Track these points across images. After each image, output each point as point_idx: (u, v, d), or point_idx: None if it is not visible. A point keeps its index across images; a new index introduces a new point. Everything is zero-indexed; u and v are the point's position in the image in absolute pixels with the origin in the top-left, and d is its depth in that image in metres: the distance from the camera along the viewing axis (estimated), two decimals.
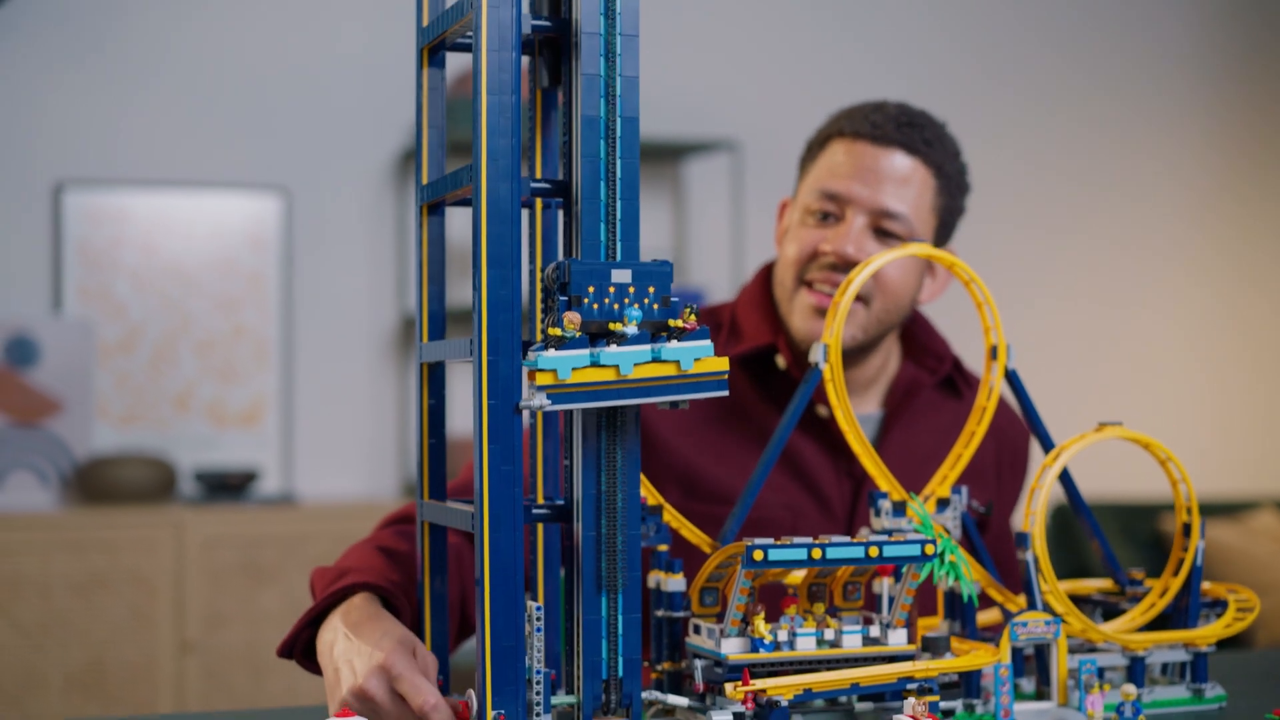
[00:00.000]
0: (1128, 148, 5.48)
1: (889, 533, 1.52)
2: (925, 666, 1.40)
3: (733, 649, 1.38)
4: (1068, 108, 5.39)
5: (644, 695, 1.37)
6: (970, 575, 1.48)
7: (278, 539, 4.02)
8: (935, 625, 1.61)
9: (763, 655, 1.38)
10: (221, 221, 4.40)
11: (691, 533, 1.54)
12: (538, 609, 1.32)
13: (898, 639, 1.42)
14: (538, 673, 1.29)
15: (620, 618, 1.32)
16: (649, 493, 1.50)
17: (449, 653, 1.48)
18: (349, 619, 1.46)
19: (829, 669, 1.39)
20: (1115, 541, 4.99)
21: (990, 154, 5.25)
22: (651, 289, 1.28)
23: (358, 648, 1.40)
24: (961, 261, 1.60)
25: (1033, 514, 1.52)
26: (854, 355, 1.95)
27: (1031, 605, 1.52)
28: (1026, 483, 2.00)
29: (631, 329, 1.26)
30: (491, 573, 1.26)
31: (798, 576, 1.50)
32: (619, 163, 1.34)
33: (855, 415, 1.97)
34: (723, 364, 1.25)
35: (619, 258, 1.32)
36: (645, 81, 4.59)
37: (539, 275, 1.40)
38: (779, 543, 1.35)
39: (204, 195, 4.38)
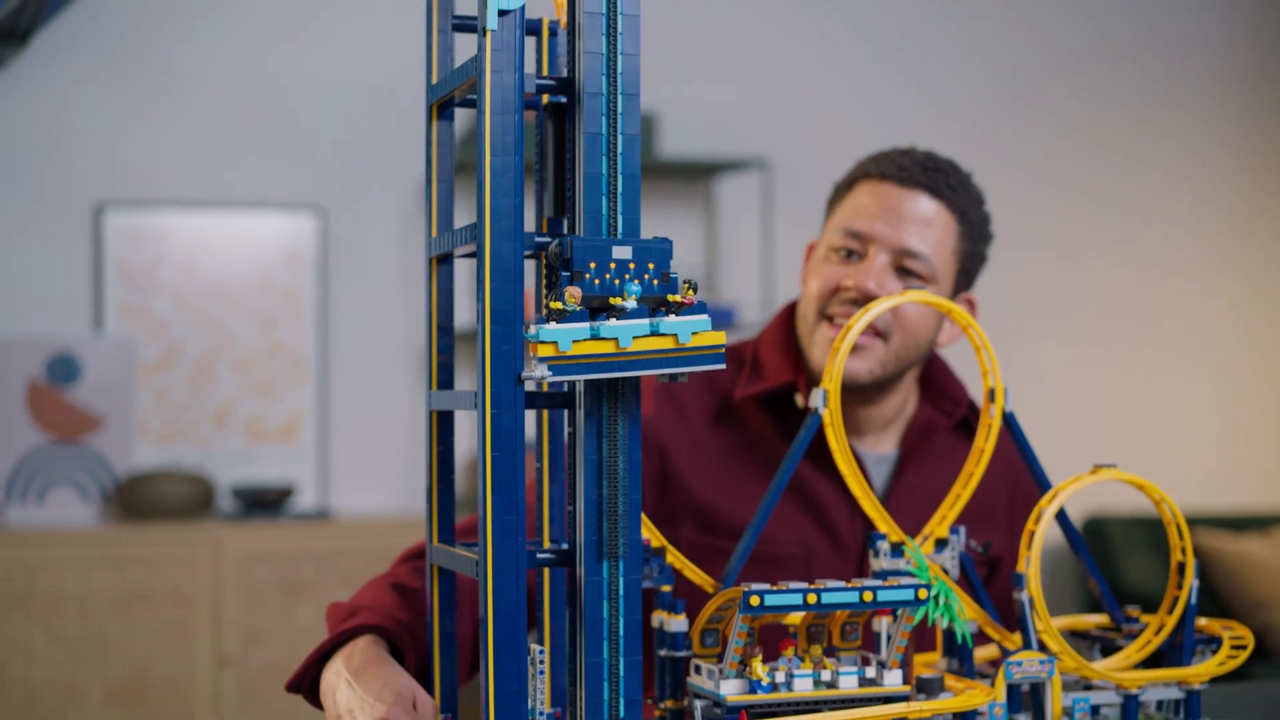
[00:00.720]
0: (1151, 167, 5.49)
1: (887, 574, 1.56)
2: (920, 708, 1.43)
3: (731, 690, 1.42)
4: (1097, 129, 5.40)
5: None
6: (965, 615, 1.51)
7: (314, 554, 4.08)
8: (935, 661, 1.65)
9: (760, 696, 1.42)
10: (259, 241, 4.47)
11: (695, 574, 1.58)
12: (540, 652, 1.37)
13: (893, 680, 1.45)
14: (541, 714, 1.34)
15: (621, 660, 1.37)
16: (652, 534, 1.55)
17: (460, 685, 1.53)
18: (351, 663, 1.51)
19: (826, 709, 1.43)
20: (1149, 557, 5.00)
21: (1017, 173, 5.27)
22: (651, 265, 1.31)
23: (360, 698, 1.45)
24: (959, 308, 1.63)
25: (1028, 555, 1.55)
26: (872, 392, 1.99)
27: (1027, 644, 1.55)
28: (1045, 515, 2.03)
29: (631, 303, 1.29)
30: (495, 619, 1.31)
31: (796, 617, 1.54)
32: (620, 218, 1.38)
33: (873, 455, 2.04)
34: (719, 338, 1.29)
35: (620, 234, 1.36)
36: (679, 103, 4.67)
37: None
38: (775, 587, 1.39)
39: (241, 215, 4.46)
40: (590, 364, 1.28)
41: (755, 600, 1.38)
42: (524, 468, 1.32)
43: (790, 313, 2.06)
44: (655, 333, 1.30)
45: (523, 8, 1.35)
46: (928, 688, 1.47)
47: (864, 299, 1.92)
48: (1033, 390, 5.28)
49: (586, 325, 1.28)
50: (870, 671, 1.47)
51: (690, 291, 1.29)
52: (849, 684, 1.45)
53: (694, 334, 1.30)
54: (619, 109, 1.43)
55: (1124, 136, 5.43)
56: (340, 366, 4.55)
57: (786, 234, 4.79)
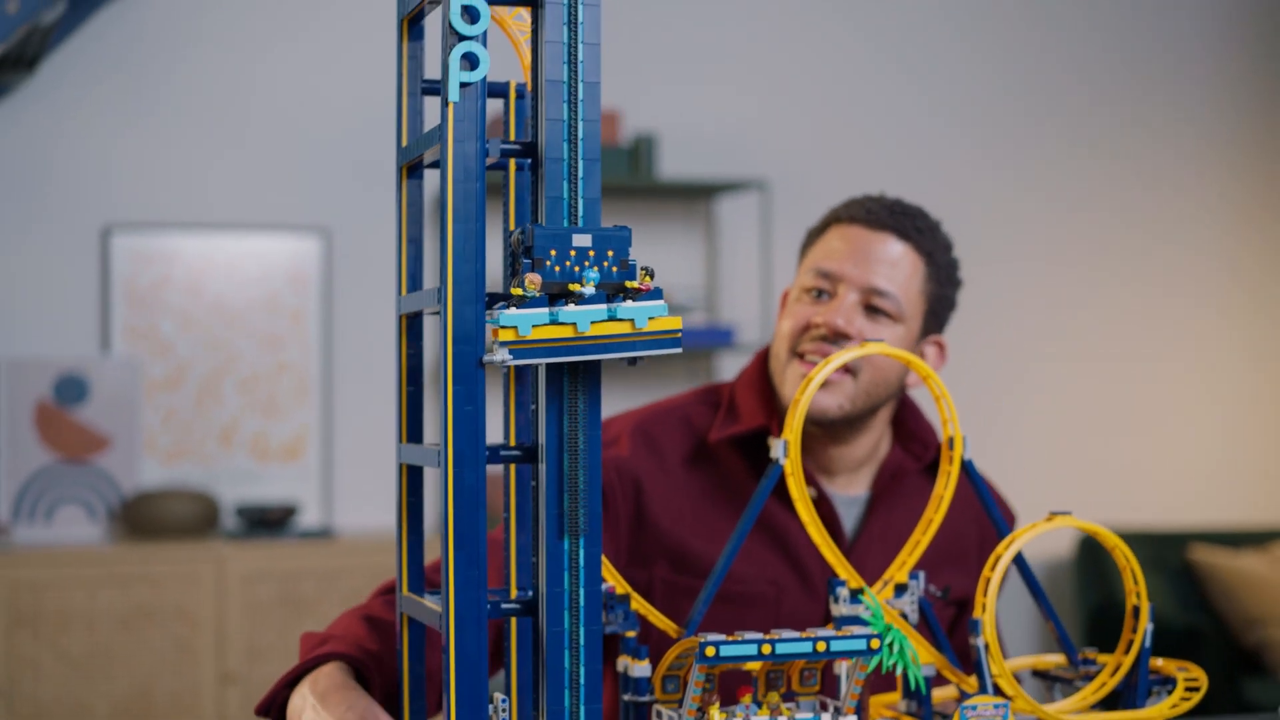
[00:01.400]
0: (1152, 182, 5.52)
1: (847, 619, 1.60)
2: None
3: None
4: (1099, 146, 5.43)
5: None
6: (920, 661, 1.56)
7: (316, 572, 4.14)
8: (895, 702, 1.69)
9: None
10: (264, 262, 4.53)
11: (659, 619, 1.63)
12: (503, 700, 1.42)
13: None
14: None
15: (582, 708, 1.41)
16: (616, 581, 1.60)
17: (429, 717, 1.59)
18: (316, 687, 1.58)
19: None
20: (1145, 571, 5.03)
21: (1019, 190, 5.30)
22: (610, 252, 1.34)
23: (323, 719, 1.51)
24: (918, 360, 1.68)
25: (984, 602, 1.60)
26: (844, 431, 2.03)
27: (983, 688, 1.60)
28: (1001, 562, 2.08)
29: (590, 289, 1.33)
30: (457, 671, 1.36)
31: (755, 663, 1.59)
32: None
33: (844, 497, 2.08)
34: (675, 323, 1.33)
35: (580, 223, 1.40)
36: (679, 125, 4.72)
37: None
38: (731, 638, 1.44)
39: (247, 237, 4.52)
40: (549, 348, 1.32)
41: (711, 651, 1.43)
42: (484, 522, 1.37)
43: (765, 358, 2.10)
44: (613, 318, 1.33)
45: (484, 80, 1.39)
46: None
47: (834, 336, 1.97)
48: (1032, 404, 5.32)
49: (546, 311, 1.32)
50: (827, 717, 1.51)
51: (647, 278, 1.33)
52: None
53: (650, 319, 1.34)
54: (579, 174, 1.47)
55: (1127, 152, 5.46)
56: (344, 386, 4.60)
57: (785, 255, 4.84)
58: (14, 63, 4.18)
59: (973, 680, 1.67)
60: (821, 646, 1.45)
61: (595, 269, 1.34)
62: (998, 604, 1.62)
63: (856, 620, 1.62)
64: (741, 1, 5.01)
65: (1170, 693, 1.70)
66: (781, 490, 1.96)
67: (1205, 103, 5.57)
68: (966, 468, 1.70)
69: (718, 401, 2.09)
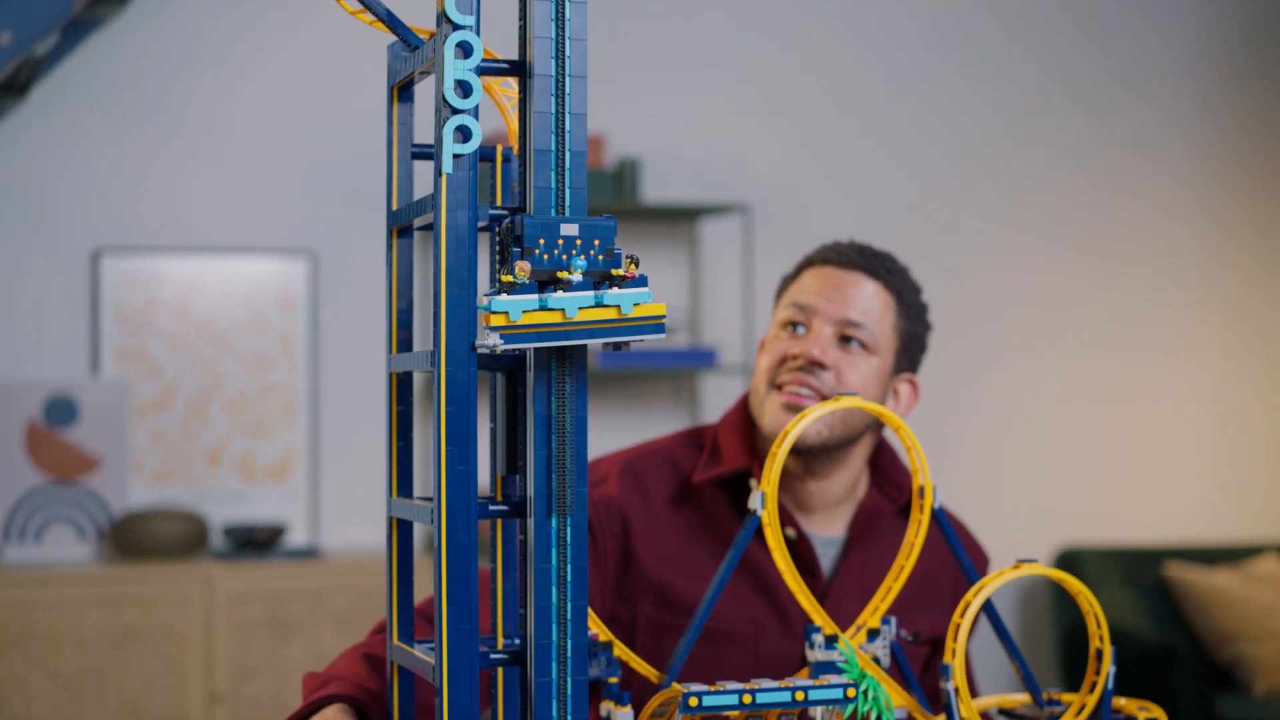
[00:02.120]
0: (1136, 196, 5.59)
1: (822, 665, 1.66)
2: None
3: None
4: (1084, 159, 5.51)
5: None
6: (892, 705, 1.62)
7: (303, 593, 4.19)
8: None
9: None
10: (252, 284, 4.58)
11: (640, 666, 1.69)
12: None
13: None
14: None
15: None
16: (599, 629, 1.66)
17: None
18: None
19: None
20: (1120, 588, 5.11)
21: (1004, 206, 5.37)
22: (597, 241, 1.39)
23: None
24: (890, 412, 1.74)
25: (954, 647, 1.66)
26: (823, 464, 2.09)
27: None
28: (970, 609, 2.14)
29: (577, 277, 1.38)
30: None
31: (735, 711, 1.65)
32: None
33: (821, 537, 2.14)
34: (660, 309, 1.38)
35: (567, 213, 1.46)
36: (663, 149, 4.77)
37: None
38: (713, 688, 1.50)
39: (235, 259, 4.57)
40: (539, 333, 1.37)
41: (694, 701, 1.49)
42: (476, 577, 1.43)
43: (747, 400, 2.17)
44: (600, 304, 1.38)
45: (476, 151, 1.45)
46: None
47: (810, 365, 2.04)
48: (1008, 420, 5.39)
49: (535, 297, 1.37)
50: None
51: (633, 266, 1.38)
52: None
53: (636, 305, 1.39)
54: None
55: (1107, 167, 5.53)
56: (330, 407, 4.66)
57: (767, 276, 4.90)
58: (5, 89, 4.23)
59: None
60: (800, 696, 1.51)
61: (582, 257, 1.39)
62: (972, 643, 1.69)
63: (831, 665, 1.68)
64: (724, 28, 5.08)
65: None
66: (761, 532, 2.02)
67: (1187, 116, 5.65)
68: (936, 516, 1.76)
69: (701, 443, 2.16)
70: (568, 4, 1.49)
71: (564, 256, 1.39)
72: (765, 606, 2.06)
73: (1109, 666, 1.73)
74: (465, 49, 1.44)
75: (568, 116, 1.48)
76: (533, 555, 1.47)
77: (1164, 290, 5.63)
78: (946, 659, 1.67)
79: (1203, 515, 5.64)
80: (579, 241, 1.40)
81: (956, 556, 1.77)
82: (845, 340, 2.06)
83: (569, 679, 1.47)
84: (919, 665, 2.13)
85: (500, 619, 1.61)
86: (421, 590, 1.85)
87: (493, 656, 1.53)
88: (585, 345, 1.43)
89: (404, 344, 1.60)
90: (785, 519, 2.08)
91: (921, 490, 1.75)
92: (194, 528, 4.32)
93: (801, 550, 2.08)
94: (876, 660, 1.73)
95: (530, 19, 1.48)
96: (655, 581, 2.05)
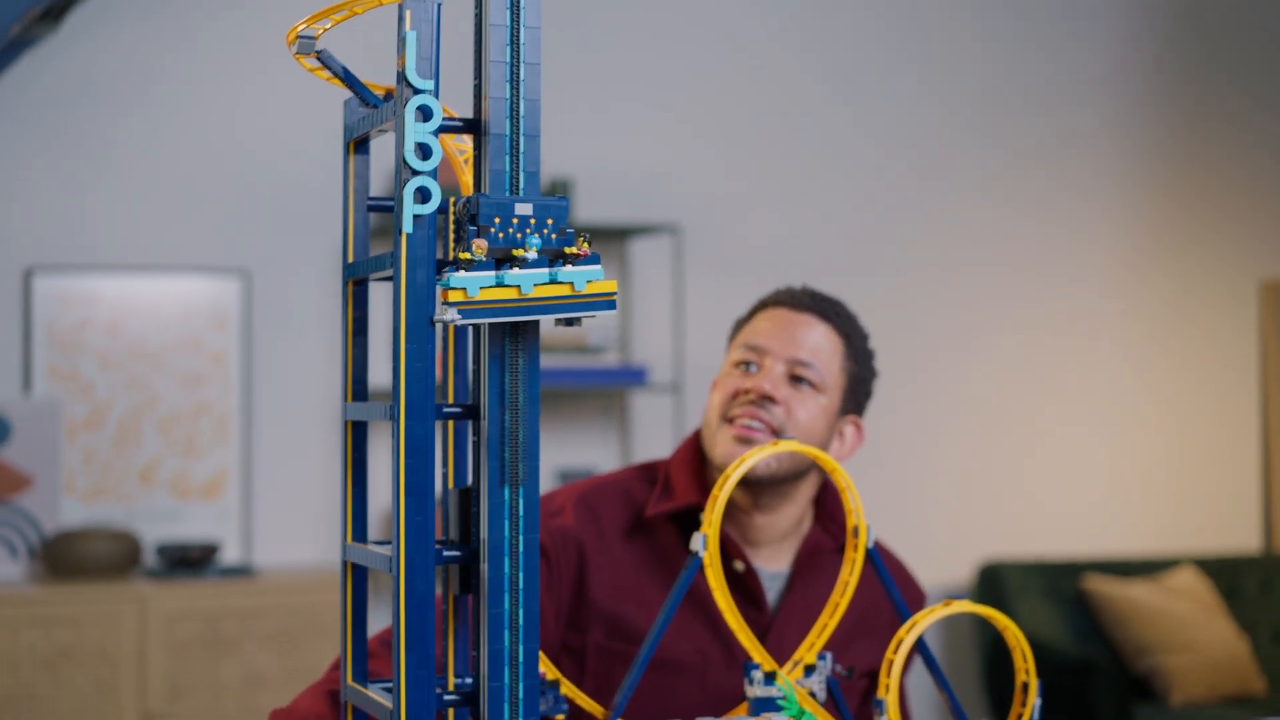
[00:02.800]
0: (1051, 221, 5.71)
1: (761, 701, 1.73)
2: None
3: None
4: (994, 188, 5.61)
5: None
6: None
7: (237, 611, 4.21)
8: None
9: None
10: (185, 303, 4.60)
11: (586, 703, 1.75)
12: None
13: None
14: None
15: None
16: (547, 668, 1.71)
17: None
18: None
19: None
20: (1040, 601, 5.22)
21: (920, 234, 5.47)
22: (550, 221, 1.45)
23: None
24: (826, 456, 1.81)
25: (888, 683, 1.73)
26: (771, 499, 2.18)
27: None
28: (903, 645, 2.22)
29: (532, 254, 1.43)
30: None
31: None
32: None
33: (767, 571, 2.22)
34: (611, 285, 1.43)
35: (521, 193, 1.51)
36: (594, 169, 4.82)
37: None
38: None
39: (167, 278, 4.58)
40: (495, 308, 1.42)
41: None
42: (433, 624, 1.48)
43: (697, 438, 2.25)
44: (554, 281, 1.44)
45: (434, 212, 1.50)
46: None
47: (761, 399, 2.13)
48: (928, 436, 5.48)
49: (492, 274, 1.42)
50: None
51: (585, 244, 1.44)
52: None
53: (589, 282, 1.44)
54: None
55: (1025, 193, 5.64)
56: (263, 425, 4.68)
57: (697, 296, 4.98)
58: None
59: None
60: None
61: (536, 236, 1.44)
62: (905, 675, 1.76)
63: (770, 702, 1.74)
64: (654, 50, 5.15)
65: None
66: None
67: (1105, 140, 5.77)
68: (870, 555, 1.83)
69: (654, 478, 2.25)
70: (522, 65, 1.55)
71: (518, 235, 1.44)
72: (712, 639, 2.13)
73: (1035, 699, 1.80)
74: (425, 113, 1.48)
75: (521, 174, 1.54)
76: (485, 599, 1.52)
77: (1081, 309, 5.74)
78: (880, 694, 1.74)
79: (1120, 529, 5.76)
80: (533, 221, 1.45)
81: (889, 594, 1.84)
82: (795, 380, 2.16)
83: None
84: (857, 698, 2.21)
85: (453, 660, 1.66)
86: (373, 626, 1.90)
87: (446, 698, 1.58)
88: (538, 322, 1.48)
89: (359, 395, 1.65)
90: (734, 552, 2.17)
91: (856, 530, 1.82)
92: (127, 547, 4.32)
93: (749, 583, 2.17)
94: (813, 695, 1.80)
95: (485, 79, 1.53)
96: (607, 610, 2.12)
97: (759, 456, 1.76)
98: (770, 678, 1.76)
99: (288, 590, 4.32)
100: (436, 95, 1.49)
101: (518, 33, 1.55)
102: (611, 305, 1.44)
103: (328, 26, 1.57)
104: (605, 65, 5.05)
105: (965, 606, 1.79)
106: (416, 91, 1.48)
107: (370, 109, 1.62)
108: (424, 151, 1.48)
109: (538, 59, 1.56)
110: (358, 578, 1.65)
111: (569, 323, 1.46)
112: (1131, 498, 5.81)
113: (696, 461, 2.22)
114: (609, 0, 5.07)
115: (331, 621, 4.22)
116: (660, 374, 4.98)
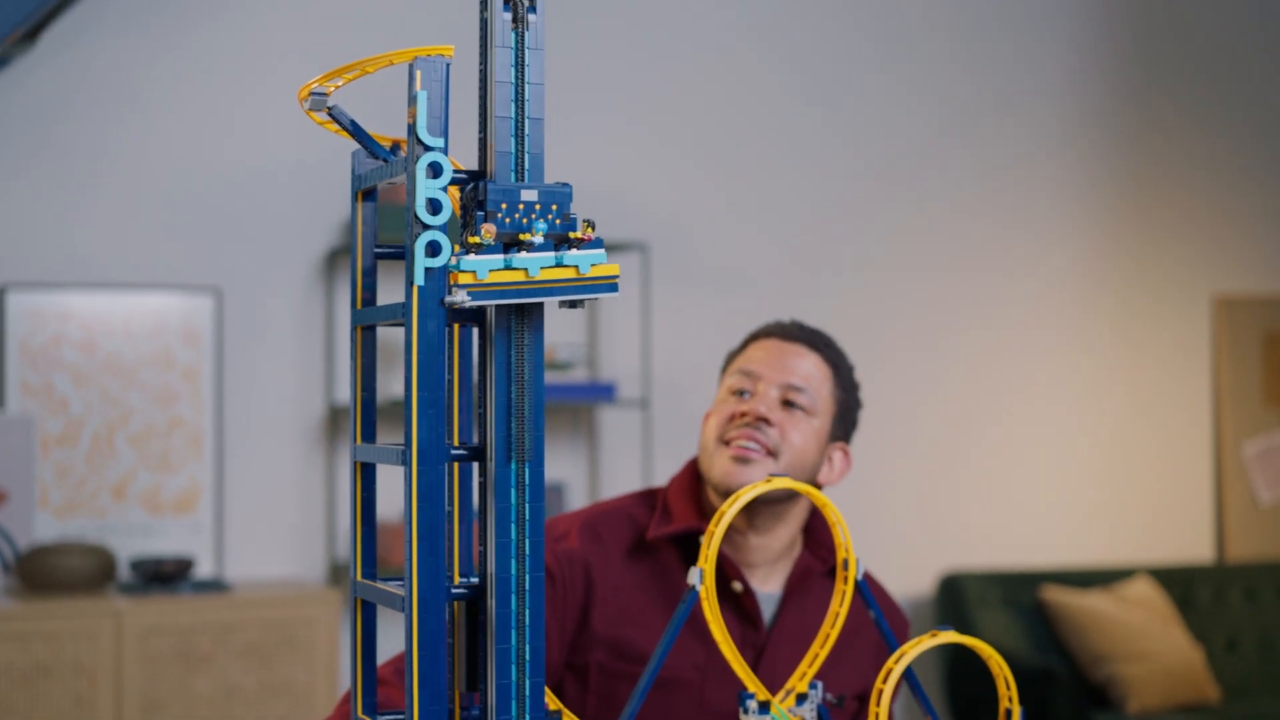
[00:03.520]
0: (1012, 225, 5.80)
1: None
2: None
3: None
4: (954, 199, 5.70)
5: None
6: None
7: (211, 625, 4.25)
8: None
9: None
10: (157, 320, 4.63)
11: None
12: None
13: None
14: None
15: None
16: (549, 699, 1.77)
17: None
18: None
19: None
20: (999, 610, 5.31)
21: (884, 240, 5.55)
22: (555, 207, 1.51)
23: None
24: (816, 491, 1.88)
25: (877, 711, 1.80)
26: (766, 520, 2.27)
27: None
28: (892, 675, 2.31)
29: (538, 239, 1.49)
30: None
31: None
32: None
33: (762, 593, 2.32)
34: (614, 269, 1.50)
35: (526, 179, 1.56)
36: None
37: None
38: None
39: (141, 295, 4.62)
40: (504, 290, 1.49)
41: None
42: (445, 667, 1.54)
43: (695, 463, 2.34)
44: (559, 264, 1.50)
45: (445, 265, 1.56)
46: None
47: (756, 421, 2.24)
48: (889, 447, 5.56)
49: (500, 257, 1.48)
50: None
51: (589, 229, 1.51)
52: None
53: (593, 265, 1.51)
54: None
55: (986, 198, 5.73)
56: (235, 440, 4.72)
57: (664, 313, 5.05)
58: None
59: None
60: None
61: (542, 221, 1.51)
62: (900, 697, 1.83)
63: None
64: (620, 68, 5.21)
65: None
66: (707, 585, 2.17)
67: (1064, 141, 5.86)
68: (860, 587, 1.90)
69: (653, 504, 2.35)
70: (527, 120, 1.61)
71: (525, 220, 1.50)
72: (709, 656, 2.22)
73: None
74: (435, 169, 1.54)
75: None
76: (493, 636, 1.58)
77: (1040, 319, 5.84)
78: None
79: (1077, 540, 5.86)
80: (538, 206, 1.52)
81: (879, 627, 1.91)
82: (788, 405, 2.27)
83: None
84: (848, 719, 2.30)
85: (458, 696, 1.72)
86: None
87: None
88: (543, 303, 1.54)
89: (367, 436, 1.70)
90: (732, 573, 2.27)
91: (846, 563, 1.89)
92: (101, 561, 4.35)
93: (746, 604, 2.27)
94: None
95: (490, 132, 1.59)
96: (610, 631, 2.21)
97: (755, 492, 1.83)
98: (764, 707, 1.83)
99: (261, 604, 4.36)
100: (445, 152, 1.55)
101: (522, 90, 1.61)
102: (614, 288, 1.51)
103: (339, 84, 1.62)
104: (573, 84, 5.10)
105: (952, 637, 1.86)
106: (427, 149, 1.54)
107: (379, 162, 1.68)
108: (434, 207, 1.54)
109: (542, 114, 1.62)
110: (367, 613, 1.70)
111: (572, 305, 1.52)
112: (1088, 509, 5.91)
113: (694, 487, 2.33)
114: (577, 23, 5.13)
115: (305, 635, 4.27)
116: (629, 390, 5.05)
